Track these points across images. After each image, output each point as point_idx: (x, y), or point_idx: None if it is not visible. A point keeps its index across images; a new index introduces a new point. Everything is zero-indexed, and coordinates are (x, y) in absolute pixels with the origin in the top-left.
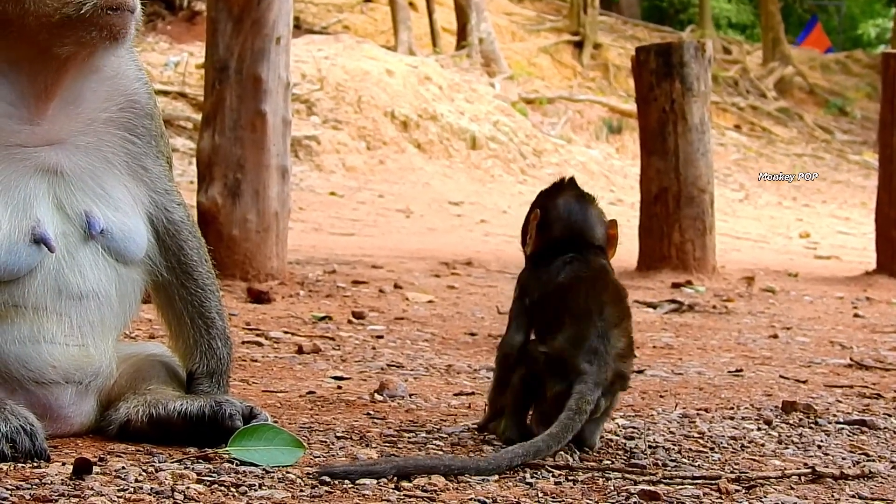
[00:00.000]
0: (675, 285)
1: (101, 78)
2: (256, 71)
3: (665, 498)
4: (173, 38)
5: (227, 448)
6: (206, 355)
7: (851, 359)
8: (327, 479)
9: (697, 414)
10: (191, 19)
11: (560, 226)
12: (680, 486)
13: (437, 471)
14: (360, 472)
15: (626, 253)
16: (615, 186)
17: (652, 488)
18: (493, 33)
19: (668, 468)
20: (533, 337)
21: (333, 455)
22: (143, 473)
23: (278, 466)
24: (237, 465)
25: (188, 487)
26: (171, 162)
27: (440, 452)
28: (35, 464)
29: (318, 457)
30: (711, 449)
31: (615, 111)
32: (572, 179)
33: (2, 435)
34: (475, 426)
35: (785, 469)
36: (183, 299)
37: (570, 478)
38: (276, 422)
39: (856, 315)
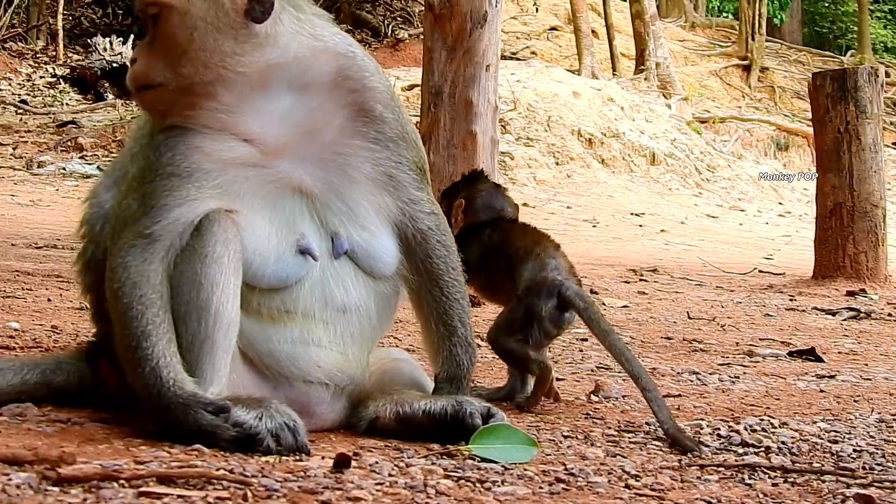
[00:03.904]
0: (850, 293)
1: (318, 86)
2: (468, 95)
3: (879, 501)
4: (379, 63)
5: (468, 445)
6: (447, 361)
7: None
8: (563, 476)
9: (894, 419)
10: (394, 46)
11: (483, 209)
12: (891, 490)
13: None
14: None
15: (801, 263)
16: (783, 199)
17: (865, 492)
18: (669, 58)
19: (876, 472)
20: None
21: (563, 453)
22: (396, 468)
23: (516, 463)
24: (478, 461)
25: (438, 483)
26: (423, 168)
27: (660, 452)
28: (297, 457)
29: (549, 455)
30: None
31: (782, 129)
32: (482, 171)
33: (268, 431)
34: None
35: None
36: (428, 305)
37: (787, 480)
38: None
39: None
